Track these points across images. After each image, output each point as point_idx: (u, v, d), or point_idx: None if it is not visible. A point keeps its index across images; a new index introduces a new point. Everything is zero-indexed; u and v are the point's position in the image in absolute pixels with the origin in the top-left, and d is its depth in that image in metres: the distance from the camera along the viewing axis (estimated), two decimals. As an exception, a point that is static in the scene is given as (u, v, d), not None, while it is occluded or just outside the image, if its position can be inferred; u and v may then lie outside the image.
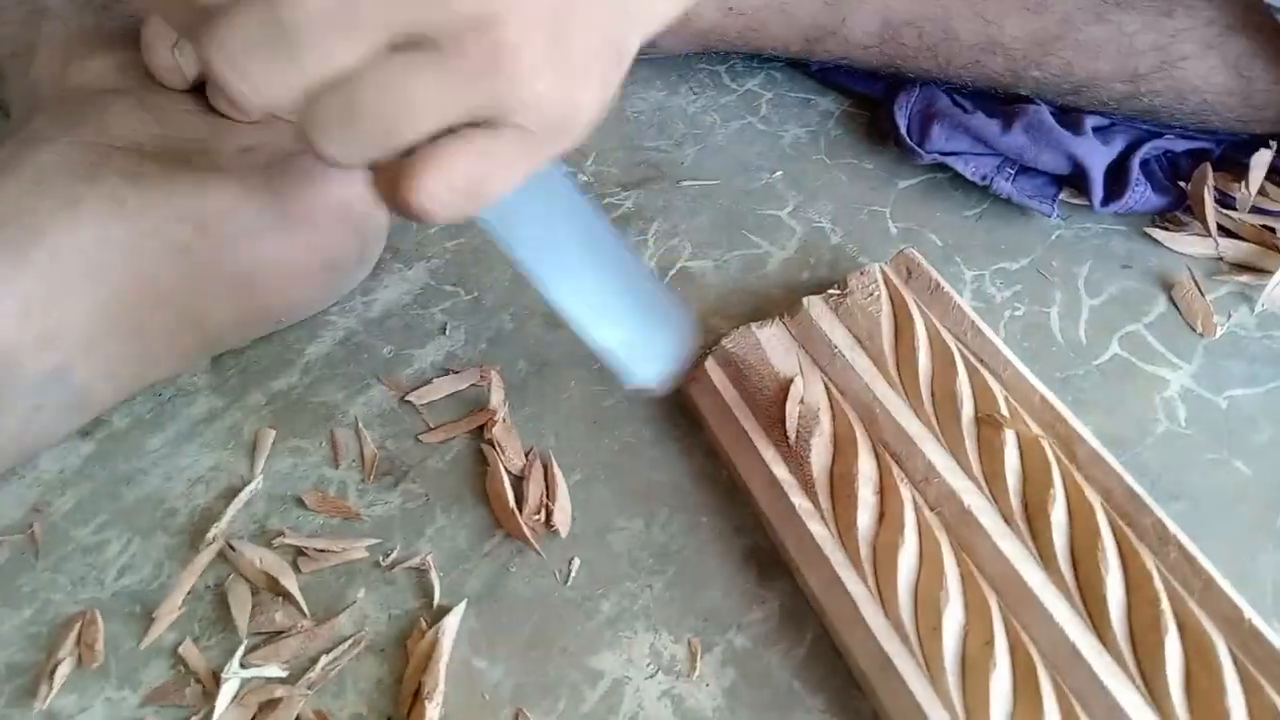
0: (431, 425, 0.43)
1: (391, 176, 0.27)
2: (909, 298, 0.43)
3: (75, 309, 0.38)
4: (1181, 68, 0.48)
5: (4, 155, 0.39)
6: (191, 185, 0.40)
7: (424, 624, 0.37)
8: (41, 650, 0.37)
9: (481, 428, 0.43)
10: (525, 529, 0.39)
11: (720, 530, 0.40)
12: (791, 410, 0.40)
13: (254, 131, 0.44)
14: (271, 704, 0.35)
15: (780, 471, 0.39)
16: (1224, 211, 0.49)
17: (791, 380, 0.41)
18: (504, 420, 0.43)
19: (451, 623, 0.37)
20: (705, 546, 0.40)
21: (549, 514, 0.40)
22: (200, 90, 0.44)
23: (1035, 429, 0.38)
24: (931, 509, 0.37)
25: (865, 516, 0.37)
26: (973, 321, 0.42)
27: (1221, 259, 0.49)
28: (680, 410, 0.44)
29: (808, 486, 0.38)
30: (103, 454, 0.43)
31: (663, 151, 0.56)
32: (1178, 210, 0.50)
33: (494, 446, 0.42)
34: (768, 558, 0.39)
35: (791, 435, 0.40)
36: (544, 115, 0.27)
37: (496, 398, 0.44)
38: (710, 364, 0.43)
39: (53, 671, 0.36)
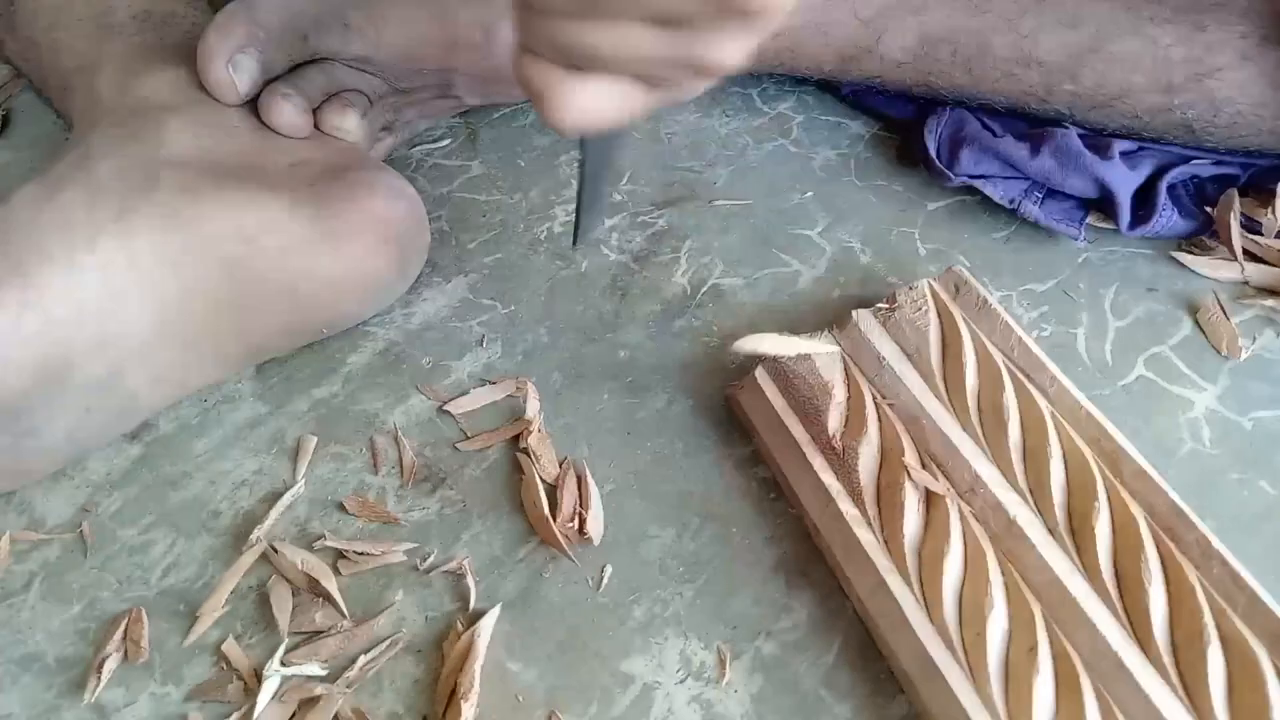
0: (469, 434, 0.44)
1: None
2: (957, 313, 0.43)
3: (127, 317, 0.39)
4: (1217, 79, 0.47)
5: (64, 167, 0.40)
6: (242, 200, 0.41)
7: (459, 626, 0.38)
8: (90, 645, 0.38)
9: (517, 437, 0.44)
10: (559, 536, 0.40)
11: (750, 541, 0.41)
12: (838, 419, 0.41)
13: (303, 147, 0.45)
14: (310, 701, 0.36)
15: (828, 478, 0.39)
16: (1250, 236, 0.49)
17: (839, 390, 0.42)
18: (539, 430, 0.44)
19: (486, 625, 0.38)
20: (735, 556, 0.40)
21: (582, 522, 0.41)
22: (252, 106, 0.45)
23: (1080, 443, 0.39)
24: (977, 519, 0.38)
25: (911, 524, 0.38)
26: (1020, 338, 0.42)
27: (1247, 283, 0.49)
28: (712, 423, 0.45)
29: (855, 494, 0.39)
30: (150, 457, 0.44)
31: (696, 172, 0.57)
32: (1204, 235, 0.51)
33: (529, 455, 0.43)
34: (796, 568, 0.40)
35: (838, 444, 0.40)
36: None
37: (532, 408, 0.45)
38: (760, 374, 0.43)
39: (100, 666, 0.37)
